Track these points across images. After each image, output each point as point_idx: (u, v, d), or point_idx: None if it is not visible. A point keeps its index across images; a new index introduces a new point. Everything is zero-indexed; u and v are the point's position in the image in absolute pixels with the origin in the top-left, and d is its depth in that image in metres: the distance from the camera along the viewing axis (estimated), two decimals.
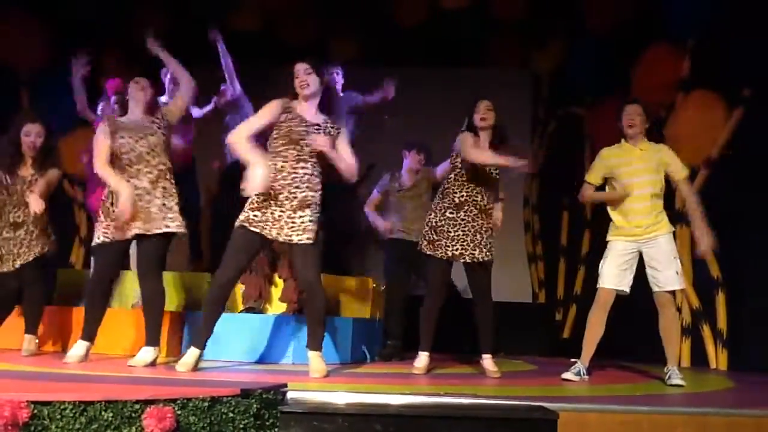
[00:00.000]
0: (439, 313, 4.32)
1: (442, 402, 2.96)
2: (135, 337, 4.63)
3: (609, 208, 4.32)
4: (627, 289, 4.24)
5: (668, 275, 4.18)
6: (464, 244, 4.20)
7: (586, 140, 7.18)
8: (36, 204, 4.32)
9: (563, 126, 7.65)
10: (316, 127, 3.88)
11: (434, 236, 4.27)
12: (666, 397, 3.67)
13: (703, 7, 5.84)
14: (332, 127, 3.95)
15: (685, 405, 3.29)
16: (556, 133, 7.78)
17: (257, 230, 3.76)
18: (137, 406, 2.48)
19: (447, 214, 4.27)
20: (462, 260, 4.23)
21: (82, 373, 3.51)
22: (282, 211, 3.77)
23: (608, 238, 4.31)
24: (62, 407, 2.41)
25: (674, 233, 4.33)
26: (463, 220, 4.23)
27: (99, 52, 6.90)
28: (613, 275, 4.20)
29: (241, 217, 3.79)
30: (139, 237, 4.02)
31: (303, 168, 3.81)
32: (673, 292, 4.26)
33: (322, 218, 3.98)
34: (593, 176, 4.36)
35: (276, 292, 5.04)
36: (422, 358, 4.31)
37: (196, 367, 3.75)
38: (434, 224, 4.30)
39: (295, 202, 3.77)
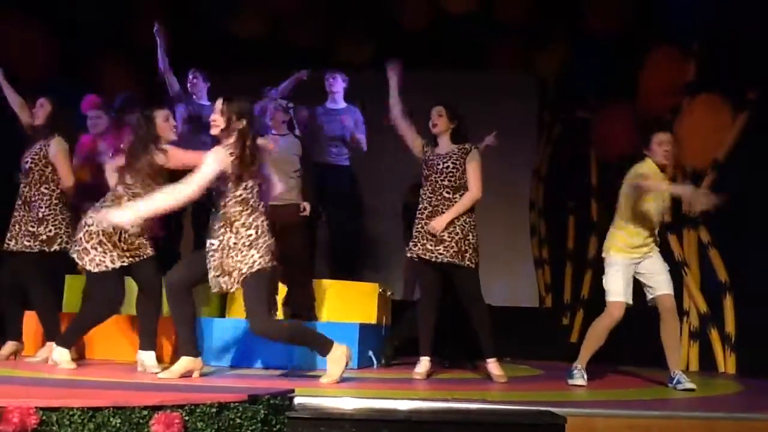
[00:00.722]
0: (435, 316, 4.33)
1: (450, 407, 2.96)
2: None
3: (632, 224, 4.27)
4: (631, 301, 4.27)
5: (668, 279, 4.27)
6: (421, 242, 4.26)
7: (591, 143, 7.17)
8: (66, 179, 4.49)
9: (568, 129, 7.64)
10: None
11: (411, 240, 4.38)
12: (674, 402, 3.66)
13: (708, 9, 5.83)
14: None
15: (694, 409, 3.28)
16: (561, 136, 7.77)
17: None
18: (145, 413, 2.48)
19: (417, 216, 4.38)
20: (417, 254, 4.26)
21: (90, 380, 3.52)
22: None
23: (612, 253, 4.28)
24: (70, 413, 2.42)
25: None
26: (418, 218, 4.33)
27: (101, 56, 6.95)
28: (623, 289, 4.22)
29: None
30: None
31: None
32: (672, 297, 4.27)
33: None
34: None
35: (279, 298, 5.04)
36: (423, 363, 4.32)
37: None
38: (413, 230, 4.41)
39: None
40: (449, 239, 4.21)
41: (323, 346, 3.85)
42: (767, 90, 5.53)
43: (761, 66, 5.49)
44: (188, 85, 5.85)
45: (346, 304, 5.23)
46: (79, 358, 4.81)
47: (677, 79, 6.06)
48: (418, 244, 4.28)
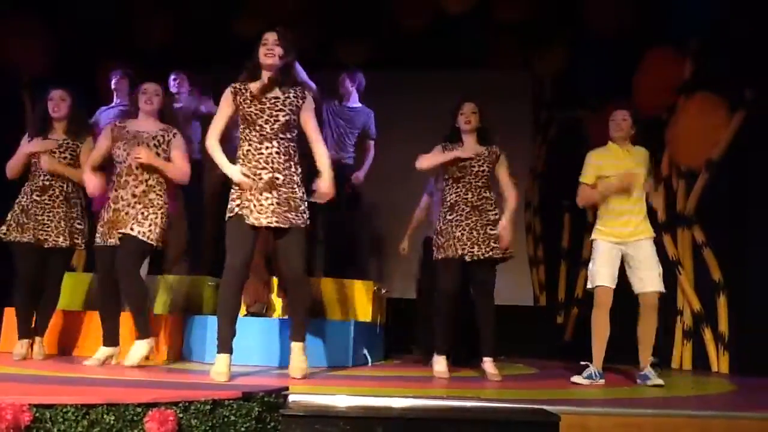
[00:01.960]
0: (455, 316, 4.36)
1: (445, 405, 2.96)
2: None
3: (600, 209, 4.36)
4: (614, 285, 4.27)
5: (653, 276, 4.21)
6: (470, 242, 4.26)
7: (587, 143, 7.17)
8: (45, 161, 4.38)
9: (565, 129, 7.65)
10: (273, 101, 3.75)
11: (441, 240, 4.35)
12: (668, 400, 3.66)
13: (705, 9, 5.84)
14: (295, 97, 3.80)
15: (687, 408, 3.28)
16: (557, 136, 7.78)
17: (244, 219, 3.65)
18: (139, 410, 2.48)
19: (447, 217, 4.36)
20: (468, 259, 4.26)
21: (84, 377, 3.51)
22: (251, 195, 3.67)
23: (594, 236, 4.37)
24: (64, 410, 2.42)
25: (655, 240, 4.33)
26: (457, 219, 4.31)
27: (101, 57, 6.93)
28: (607, 274, 4.24)
29: (228, 211, 3.71)
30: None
31: (267, 148, 3.70)
32: (658, 296, 4.23)
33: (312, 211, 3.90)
34: (589, 177, 4.38)
35: (275, 296, 5.05)
36: (442, 362, 4.32)
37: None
38: (439, 230, 4.39)
39: (261, 184, 3.66)
40: (493, 237, 4.29)
41: (305, 331, 3.91)
42: (763, 89, 5.55)
43: (758, 65, 5.51)
44: (173, 85, 5.82)
45: (341, 301, 5.23)
46: (78, 355, 4.83)
47: (673, 78, 6.07)
48: (466, 245, 4.25)
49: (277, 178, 3.67)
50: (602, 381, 4.18)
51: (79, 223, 4.50)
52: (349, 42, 7.62)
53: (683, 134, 5.89)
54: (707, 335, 5.79)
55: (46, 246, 4.39)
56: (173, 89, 5.82)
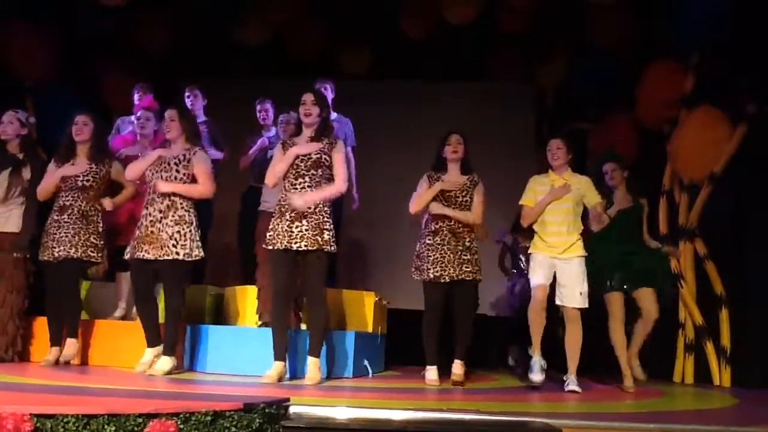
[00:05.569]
0: (439, 329, 4.60)
1: (445, 417, 2.96)
2: (136, 350, 4.66)
3: (535, 226, 4.62)
4: (548, 283, 4.57)
5: (574, 293, 4.49)
6: (442, 265, 4.54)
7: (589, 155, 7.18)
8: (107, 203, 4.73)
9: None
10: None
11: (418, 263, 4.66)
12: (670, 414, 3.66)
13: (707, 22, 5.86)
14: (327, 143, 4.31)
15: (689, 422, 3.27)
16: None
17: (277, 245, 4.17)
18: (140, 420, 2.47)
19: (426, 241, 4.64)
20: (443, 280, 4.53)
21: (85, 386, 3.51)
22: (281, 222, 4.20)
23: (530, 250, 4.68)
24: (65, 420, 2.41)
25: (586, 258, 4.55)
26: (439, 244, 4.59)
27: (103, 64, 6.96)
28: (542, 275, 4.54)
29: (267, 239, 4.26)
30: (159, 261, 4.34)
31: (301, 183, 4.22)
32: (578, 310, 4.50)
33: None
34: (528, 199, 4.66)
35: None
36: (433, 372, 4.55)
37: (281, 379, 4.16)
38: (418, 252, 4.70)
39: (293, 214, 4.18)
40: (471, 258, 4.59)
41: (319, 348, 4.26)
42: (765, 103, 5.55)
43: (760, 79, 5.52)
44: (187, 102, 5.84)
45: (342, 312, 5.23)
46: (81, 363, 4.84)
47: (676, 92, 6.09)
48: (439, 266, 4.53)
49: (309, 208, 4.16)
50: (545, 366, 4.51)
51: (94, 239, 4.68)
52: (351, 52, 7.65)
53: (686, 147, 5.90)
54: (709, 349, 5.77)
55: (57, 258, 4.60)
56: (189, 105, 5.83)
